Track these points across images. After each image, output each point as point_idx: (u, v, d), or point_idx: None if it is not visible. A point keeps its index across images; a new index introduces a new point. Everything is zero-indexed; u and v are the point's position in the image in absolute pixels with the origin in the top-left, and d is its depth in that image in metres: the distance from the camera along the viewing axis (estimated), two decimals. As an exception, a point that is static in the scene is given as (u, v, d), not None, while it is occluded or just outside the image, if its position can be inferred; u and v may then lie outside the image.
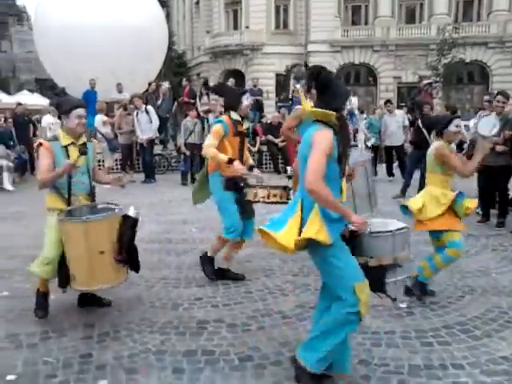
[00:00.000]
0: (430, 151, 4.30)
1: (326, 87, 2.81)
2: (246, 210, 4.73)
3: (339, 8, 31.77)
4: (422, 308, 4.16)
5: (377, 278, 2.90)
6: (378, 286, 2.97)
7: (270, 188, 4.61)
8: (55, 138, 3.88)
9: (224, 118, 4.69)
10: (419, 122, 9.15)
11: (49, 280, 3.99)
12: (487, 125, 5.46)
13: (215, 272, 4.89)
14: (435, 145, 4.27)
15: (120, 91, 14.20)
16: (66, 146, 3.85)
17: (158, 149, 13.76)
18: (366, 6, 32.03)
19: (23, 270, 5.20)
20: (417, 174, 9.37)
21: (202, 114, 12.06)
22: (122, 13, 15.00)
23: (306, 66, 5.57)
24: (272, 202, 4.60)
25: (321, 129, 2.73)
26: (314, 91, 2.84)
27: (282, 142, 12.53)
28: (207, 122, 11.30)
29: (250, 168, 4.83)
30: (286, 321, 3.96)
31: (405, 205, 4.34)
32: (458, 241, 4.13)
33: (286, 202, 4.54)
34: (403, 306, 4.18)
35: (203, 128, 11.23)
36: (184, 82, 15.26)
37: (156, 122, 11.56)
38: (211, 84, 14.33)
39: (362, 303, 2.76)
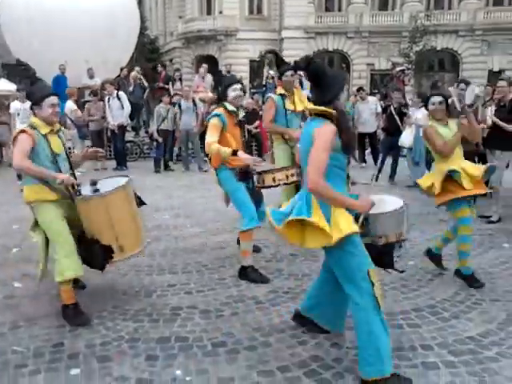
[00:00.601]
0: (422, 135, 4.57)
1: (319, 78, 2.82)
2: (255, 199, 4.65)
3: (313, -6, 31.68)
4: (393, 291, 4.24)
5: (385, 255, 2.99)
6: (387, 263, 3.06)
7: (287, 169, 4.65)
8: (33, 127, 3.72)
9: (219, 110, 4.53)
10: (392, 108, 9.25)
11: (73, 289, 3.81)
12: (469, 95, 5.62)
13: (260, 274, 4.57)
14: (423, 127, 4.60)
15: (91, 77, 13.93)
16: (45, 135, 3.73)
17: (129, 135, 13.58)
18: (340, -8, 32.02)
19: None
20: (389, 160, 9.54)
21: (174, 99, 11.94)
22: (92, -2, 14.66)
23: (276, 54, 5.47)
24: (292, 182, 4.67)
25: (321, 124, 2.74)
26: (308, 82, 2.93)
27: (256, 128, 12.51)
28: (179, 107, 11.21)
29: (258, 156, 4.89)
30: (260, 306, 3.99)
31: (417, 182, 4.62)
32: (465, 217, 4.31)
33: (293, 182, 4.76)
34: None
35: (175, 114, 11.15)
36: (159, 68, 15.07)
37: (127, 108, 11.39)
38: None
39: (376, 287, 2.81)
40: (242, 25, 31.89)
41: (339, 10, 32.20)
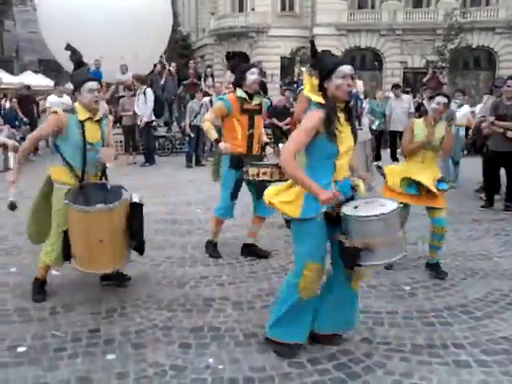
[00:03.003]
0: None
1: (317, 63, 2.99)
2: (257, 190, 4.73)
3: (346, -9, 31.42)
4: (424, 289, 4.22)
5: (347, 256, 2.93)
6: (349, 264, 2.96)
7: (261, 166, 4.56)
8: (72, 111, 3.71)
9: (228, 95, 4.72)
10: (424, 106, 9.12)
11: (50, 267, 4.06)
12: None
13: (215, 250, 5.10)
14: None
15: (123, 72, 14.15)
16: (82, 121, 3.69)
17: (162, 131, 13.78)
18: (373, -11, 31.67)
19: (31, 246, 5.27)
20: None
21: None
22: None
23: (312, 44, 5.33)
24: (263, 181, 4.51)
25: (312, 110, 2.88)
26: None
27: (287, 125, 12.50)
28: (211, 103, 11.29)
29: (265, 145, 4.89)
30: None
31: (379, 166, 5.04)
32: (438, 218, 4.49)
33: (276, 181, 4.52)
34: (406, 288, 4.24)
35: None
36: (191, 64, 15.22)
37: (150, 104, 11.36)
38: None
39: (305, 280, 2.98)
40: (273, 22, 31.87)
41: (372, 7, 31.86)
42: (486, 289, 4.24)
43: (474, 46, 28.60)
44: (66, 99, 11.03)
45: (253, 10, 32.16)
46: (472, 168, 8.77)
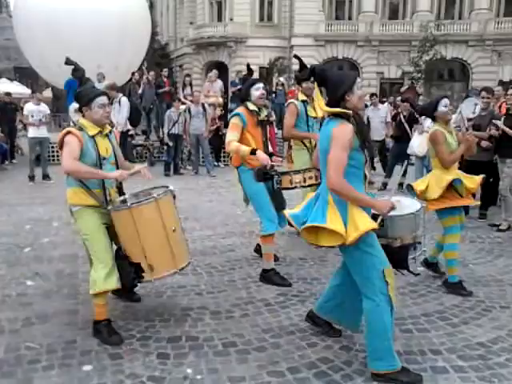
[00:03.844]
0: (428, 136, 4.46)
1: (325, 80, 2.91)
2: (277, 201, 4.59)
3: (323, 2, 31.75)
4: (401, 296, 4.25)
5: (400, 257, 3.02)
6: (401, 264, 3.11)
7: (304, 172, 4.51)
8: (81, 129, 3.51)
9: (240, 109, 4.53)
10: (401, 116, 9.26)
11: (106, 303, 3.56)
12: (468, 107, 5.57)
13: (282, 277, 4.56)
14: (431, 129, 4.44)
15: (99, 81, 13.99)
16: (93, 136, 3.52)
17: (140, 139, 13.68)
18: (350, 0, 32.08)
19: (4, 257, 5.19)
20: (398, 168, 9.54)
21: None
22: (104, 0, 14.79)
23: (300, 59, 5.28)
24: (309, 185, 4.51)
25: (338, 124, 2.80)
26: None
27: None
28: (189, 112, 11.27)
29: (270, 155, 4.66)
30: (269, 308, 4.01)
31: (410, 185, 4.51)
32: (454, 226, 4.35)
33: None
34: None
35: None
36: (164, 72, 15.14)
37: (124, 113, 10.99)
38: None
39: (391, 287, 2.87)
40: (252, 32, 32.05)
41: (349, 18, 32.29)
42: (462, 295, 4.29)
43: (448, 58, 29.20)
44: (44, 107, 10.87)
45: (231, 19, 32.31)
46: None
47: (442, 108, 4.35)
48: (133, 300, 4.11)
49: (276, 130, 12.07)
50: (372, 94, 12.30)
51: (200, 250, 5.52)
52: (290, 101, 5.61)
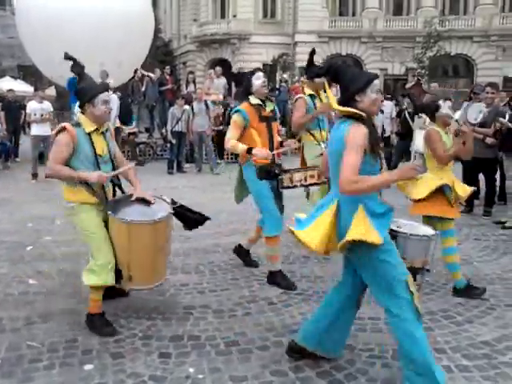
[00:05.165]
0: (423, 135, 4.34)
1: (339, 76, 2.78)
2: (277, 204, 4.44)
3: (327, -2, 31.71)
4: (405, 295, 4.21)
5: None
6: None
7: (306, 170, 4.44)
8: (78, 124, 3.50)
9: (242, 105, 4.41)
10: (406, 112, 9.21)
11: (101, 299, 3.60)
12: (473, 112, 5.50)
13: (287, 279, 4.47)
14: (428, 128, 4.30)
15: (103, 78, 13.97)
16: (89, 133, 3.50)
17: (143, 137, 13.69)
18: (354, -4, 32.02)
19: (7, 256, 5.18)
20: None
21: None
22: (108, -2, 14.77)
23: (312, 54, 5.13)
24: (310, 184, 4.43)
25: (352, 126, 2.65)
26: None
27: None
28: (192, 109, 11.25)
29: (280, 143, 4.58)
30: (272, 307, 3.99)
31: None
32: (451, 229, 4.22)
33: (325, 182, 4.45)
34: None
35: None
36: (167, 70, 15.13)
37: (113, 110, 10.99)
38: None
39: (416, 297, 2.71)
40: (255, 28, 31.99)
41: (353, 14, 32.20)
42: (477, 296, 4.20)
43: (452, 54, 29.06)
44: (47, 105, 10.87)
45: (235, 16, 32.25)
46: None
47: (444, 111, 4.25)
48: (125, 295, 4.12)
49: (280, 127, 12.03)
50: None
51: (203, 248, 5.50)
52: (298, 96, 5.51)
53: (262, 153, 4.19)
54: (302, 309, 3.92)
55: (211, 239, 5.86)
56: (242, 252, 5.01)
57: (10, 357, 3.19)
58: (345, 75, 2.76)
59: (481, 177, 7.25)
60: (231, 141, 4.32)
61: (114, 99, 11.03)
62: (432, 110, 4.32)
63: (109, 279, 3.46)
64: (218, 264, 5.01)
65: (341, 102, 2.75)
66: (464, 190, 4.28)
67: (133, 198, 3.66)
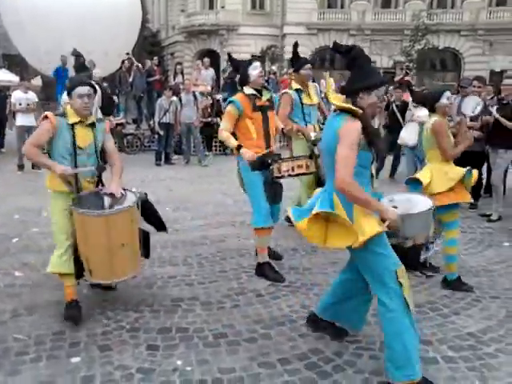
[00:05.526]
0: (426, 126, 4.24)
1: (356, 63, 2.72)
2: (272, 194, 4.40)
3: (316, -10, 31.60)
4: (392, 287, 4.24)
5: (411, 258, 2.90)
6: (412, 265, 2.97)
7: (293, 159, 4.39)
8: (63, 114, 3.58)
9: (237, 96, 4.35)
10: (393, 105, 9.24)
11: (73, 284, 3.64)
12: (470, 105, 5.51)
13: (275, 271, 4.45)
14: (432, 120, 4.20)
15: (90, 68, 13.83)
16: (72, 124, 3.55)
17: (130, 128, 13.58)
18: (343, -12, 31.95)
19: (1, 248, 5.12)
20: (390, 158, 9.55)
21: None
22: (94, -13, 14.57)
23: (295, 46, 5.14)
24: (298, 174, 4.41)
25: (347, 120, 2.64)
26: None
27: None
28: (180, 100, 11.17)
29: (268, 144, 4.46)
30: (260, 299, 4.00)
31: (415, 177, 4.27)
32: (457, 220, 4.26)
33: (312, 172, 4.49)
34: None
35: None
36: (155, 60, 15.02)
37: (94, 102, 10.82)
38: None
39: (405, 288, 2.73)
40: (244, 20, 31.79)
41: (342, 6, 32.11)
42: (466, 291, 4.22)
43: (440, 48, 29.17)
44: (32, 95, 10.73)
45: (223, 7, 32.00)
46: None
47: (444, 100, 4.20)
48: (111, 288, 4.12)
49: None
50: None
51: (191, 241, 5.49)
52: (283, 91, 5.53)
53: (247, 155, 4.17)
54: (290, 301, 3.93)
55: (199, 231, 5.85)
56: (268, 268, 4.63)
57: (-4, 349, 3.17)
58: (361, 67, 2.72)
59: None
60: (224, 132, 4.31)
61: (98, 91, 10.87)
62: (433, 101, 4.24)
63: (62, 269, 3.53)
64: (205, 256, 5.00)
65: (344, 91, 2.73)
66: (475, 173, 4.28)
67: (102, 192, 3.66)
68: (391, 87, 12.34)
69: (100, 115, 11.03)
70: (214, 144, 12.73)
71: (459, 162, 7.09)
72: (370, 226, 2.67)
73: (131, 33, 16.76)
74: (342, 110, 2.71)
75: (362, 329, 3.33)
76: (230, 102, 4.37)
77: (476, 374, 2.97)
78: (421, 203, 3.21)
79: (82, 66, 3.85)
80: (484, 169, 7.32)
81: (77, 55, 3.84)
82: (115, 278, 3.65)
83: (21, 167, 9.94)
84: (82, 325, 3.51)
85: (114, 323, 3.54)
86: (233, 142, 4.27)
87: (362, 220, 2.69)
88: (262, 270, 4.46)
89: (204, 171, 10.31)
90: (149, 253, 3.93)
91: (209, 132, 12.39)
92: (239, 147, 4.24)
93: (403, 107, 9.21)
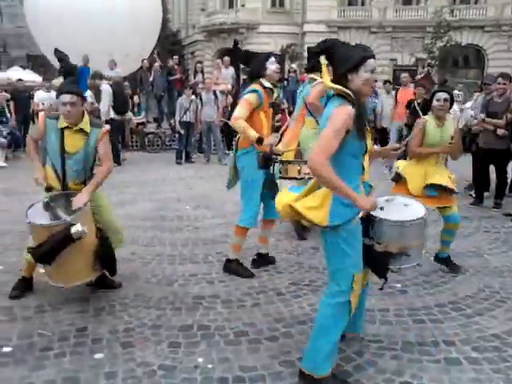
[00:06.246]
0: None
1: (332, 53, 2.64)
2: (273, 190, 4.27)
3: (336, -13, 31.38)
4: (415, 287, 4.21)
5: (379, 263, 2.85)
6: (377, 271, 2.91)
7: (300, 162, 4.22)
8: (56, 118, 3.68)
9: (257, 86, 4.11)
10: (415, 103, 9.13)
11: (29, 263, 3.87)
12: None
13: (245, 268, 4.50)
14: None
15: (111, 68, 13.98)
16: (62, 129, 3.64)
17: (151, 127, 13.70)
18: (364, -15, 31.67)
19: (17, 244, 5.20)
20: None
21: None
22: (116, -12, 14.71)
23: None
24: (302, 178, 4.21)
25: (339, 105, 2.53)
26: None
27: (277, 122, 12.46)
28: (200, 99, 11.22)
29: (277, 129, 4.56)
30: (281, 297, 3.99)
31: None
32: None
33: None
34: (397, 285, 4.22)
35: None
36: (175, 59, 15.12)
37: (105, 101, 10.86)
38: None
39: (354, 295, 2.70)
40: (263, 18, 31.75)
41: (362, 4, 31.83)
42: (476, 286, 4.24)
43: (463, 44, 28.68)
44: (54, 94, 10.89)
45: (243, 6, 32.03)
46: (460, 165, 8.78)
47: (434, 102, 4.34)
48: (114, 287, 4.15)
49: (288, 118, 11.98)
50: (385, 81, 12.16)
51: (211, 239, 5.51)
52: (315, 82, 5.35)
53: (269, 141, 4.04)
54: (311, 300, 3.92)
55: (219, 229, 5.87)
56: (265, 260, 4.74)
57: (22, 345, 3.22)
58: (338, 53, 2.62)
59: (492, 168, 7.19)
60: (241, 120, 4.04)
61: (106, 90, 10.94)
62: (430, 102, 4.44)
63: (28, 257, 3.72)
64: (226, 254, 4.97)
65: (333, 80, 2.63)
66: (445, 179, 4.36)
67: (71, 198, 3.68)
68: (412, 85, 12.19)
69: (112, 115, 11.19)
70: (234, 143, 12.75)
71: (484, 160, 7.04)
72: (312, 208, 2.59)
73: (151, 32, 16.87)
74: (338, 95, 2.60)
75: (361, 331, 3.28)
76: (253, 90, 4.13)
77: (501, 377, 2.91)
78: (411, 213, 3.07)
79: (67, 69, 3.87)
80: (509, 167, 7.19)
81: (59, 58, 3.87)
82: (70, 283, 3.66)
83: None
84: (105, 321, 3.55)
85: (136, 320, 3.57)
86: (253, 133, 4.01)
87: (316, 198, 2.61)
88: (232, 267, 4.46)
89: (224, 170, 10.26)
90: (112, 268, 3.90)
91: (229, 131, 12.40)
92: (260, 140, 4.02)
93: (425, 105, 9.08)
